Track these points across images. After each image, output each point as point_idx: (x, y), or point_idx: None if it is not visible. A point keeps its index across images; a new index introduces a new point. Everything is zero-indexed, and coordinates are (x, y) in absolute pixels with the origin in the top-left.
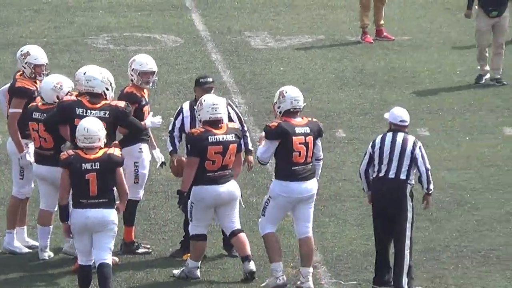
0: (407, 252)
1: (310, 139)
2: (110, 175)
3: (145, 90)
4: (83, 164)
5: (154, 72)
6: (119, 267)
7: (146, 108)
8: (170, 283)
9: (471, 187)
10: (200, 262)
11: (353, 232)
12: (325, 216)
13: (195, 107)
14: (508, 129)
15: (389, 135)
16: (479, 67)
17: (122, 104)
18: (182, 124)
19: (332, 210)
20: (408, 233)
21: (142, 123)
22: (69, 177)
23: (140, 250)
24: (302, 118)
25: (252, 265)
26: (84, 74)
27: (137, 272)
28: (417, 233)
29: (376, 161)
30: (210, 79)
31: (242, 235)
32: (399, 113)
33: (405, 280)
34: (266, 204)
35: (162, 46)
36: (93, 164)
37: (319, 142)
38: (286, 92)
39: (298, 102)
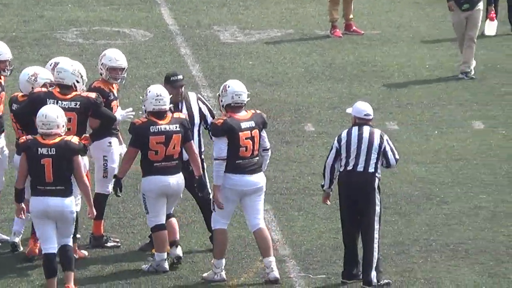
0: (375, 245)
1: (255, 133)
2: (66, 162)
3: (114, 85)
4: (39, 149)
5: (123, 68)
6: (88, 261)
7: (115, 103)
8: (139, 277)
9: (440, 181)
10: (166, 254)
11: (322, 226)
12: (294, 210)
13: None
14: (477, 123)
15: (355, 129)
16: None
17: (93, 95)
18: None
19: (301, 204)
20: (376, 226)
21: None
22: (26, 161)
23: (109, 244)
24: (247, 111)
25: (179, 251)
26: (51, 65)
27: (106, 266)
28: (386, 226)
29: (344, 155)
30: (181, 77)
31: (173, 220)
32: (363, 107)
33: (373, 273)
34: (213, 198)
35: (131, 40)
36: (49, 149)
37: (264, 134)
38: (228, 87)
39: (239, 97)
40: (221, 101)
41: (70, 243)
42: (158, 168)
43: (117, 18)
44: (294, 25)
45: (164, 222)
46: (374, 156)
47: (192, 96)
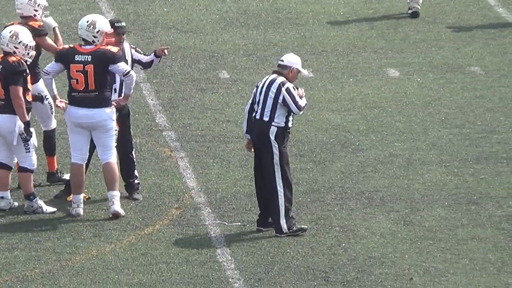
0: (280, 193)
1: (89, 67)
2: None
3: None
4: None
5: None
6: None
7: None
8: (57, 225)
9: (355, 128)
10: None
11: (237, 173)
12: (209, 158)
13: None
14: (392, 71)
15: (265, 77)
16: (408, 1)
17: None
18: None
19: (216, 152)
20: (278, 174)
21: None
22: None
23: (65, 177)
24: (96, 46)
25: (26, 203)
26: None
27: (23, 215)
28: (301, 174)
29: (255, 102)
30: (124, 24)
31: (21, 174)
32: (284, 56)
33: (283, 221)
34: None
35: None
36: None
37: (117, 65)
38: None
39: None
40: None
41: None
42: None
43: None
44: None
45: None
46: (269, 103)
47: (126, 45)
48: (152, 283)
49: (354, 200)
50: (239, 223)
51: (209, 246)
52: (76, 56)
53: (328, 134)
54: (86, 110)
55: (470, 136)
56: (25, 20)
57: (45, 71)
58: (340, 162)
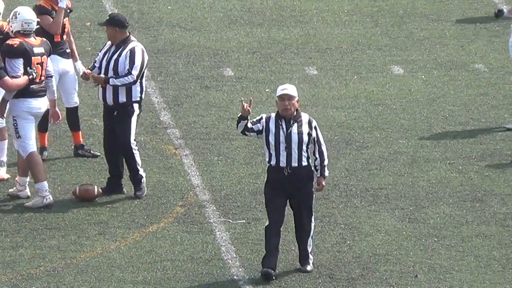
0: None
1: (44, 59)
2: None
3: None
4: None
5: None
6: None
7: None
8: (58, 219)
9: (359, 125)
10: None
11: (241, 171)
12: (214, 155)
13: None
14: (396, 68)
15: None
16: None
17: None
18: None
19: (220, 149)
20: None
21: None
22: None
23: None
24: (35, 38)
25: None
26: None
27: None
28: None
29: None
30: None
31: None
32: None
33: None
34: (15, 126)
35: None
36: None
37: (50, 61)
38: (19, 14)
39: (29, 25)
40: (11, 26)
41: None
42: None
43: None
44: None
45: None
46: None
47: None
48: (157, 281)
49: (358, 198)
50: (244, 221)
51: (214, 243)
52: (34, 49)
53: (333, 131)
54: (42, 101)
55: (475, 134)
56: None
57: (18, 76)
58: (345, 160)
